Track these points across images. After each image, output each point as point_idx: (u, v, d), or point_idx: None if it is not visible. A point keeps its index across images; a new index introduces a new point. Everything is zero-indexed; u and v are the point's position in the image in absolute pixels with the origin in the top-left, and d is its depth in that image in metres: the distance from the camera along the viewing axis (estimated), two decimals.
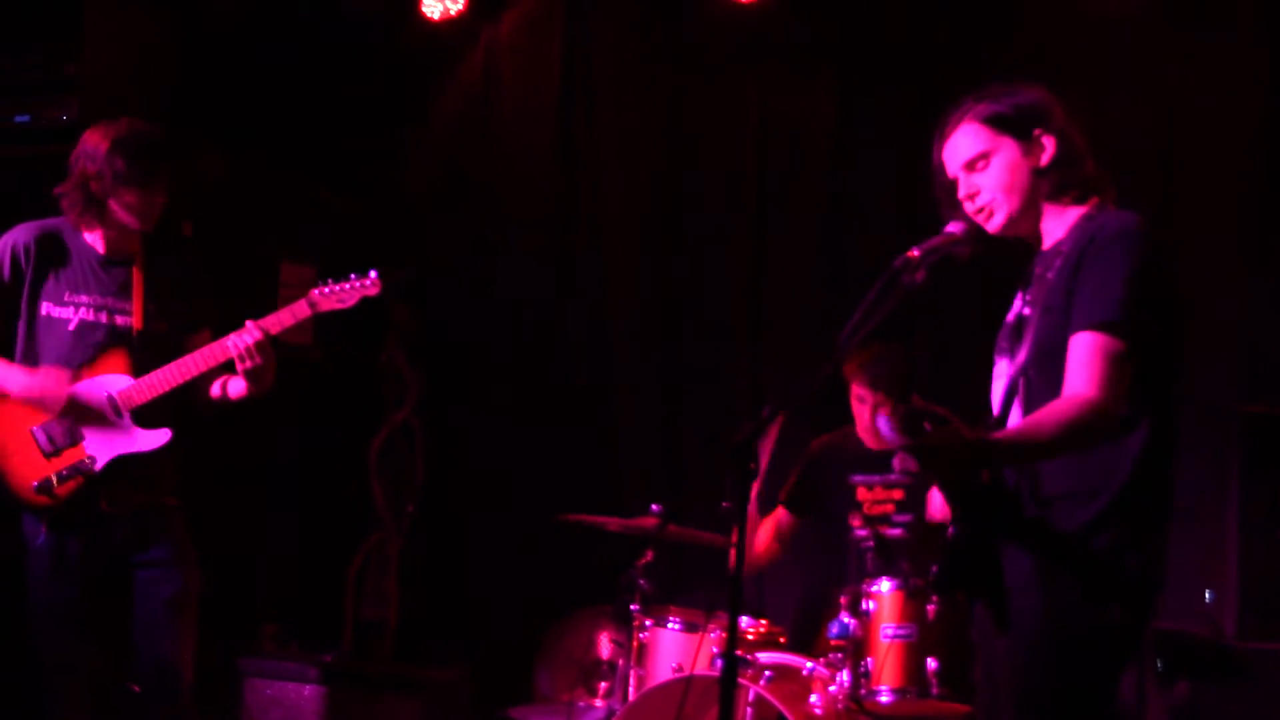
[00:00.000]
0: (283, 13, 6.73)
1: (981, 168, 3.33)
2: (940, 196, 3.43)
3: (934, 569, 3.34)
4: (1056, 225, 3.31)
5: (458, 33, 7.00)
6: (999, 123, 3.32)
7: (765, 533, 5.52)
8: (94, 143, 4.43)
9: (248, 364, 4.35)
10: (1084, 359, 3.06)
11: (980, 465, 3.15)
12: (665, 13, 6.70)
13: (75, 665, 4.44)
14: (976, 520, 3.24)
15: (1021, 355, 3.23)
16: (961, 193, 3.36)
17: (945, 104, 5.81)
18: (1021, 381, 3.23)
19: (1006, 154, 3.31)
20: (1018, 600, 3.19)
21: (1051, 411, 3.07)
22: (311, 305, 4.45)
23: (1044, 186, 3.30)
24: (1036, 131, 3.31)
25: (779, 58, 6.49)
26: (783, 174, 6.47)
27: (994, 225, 3.34)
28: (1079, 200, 3.30)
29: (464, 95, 7.11)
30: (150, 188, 4.44)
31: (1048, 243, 3.32)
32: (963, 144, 3.36)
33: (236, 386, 4.55)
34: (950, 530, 3.30)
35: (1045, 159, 3.30)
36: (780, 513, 5.53)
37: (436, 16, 6.87)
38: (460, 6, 6.86)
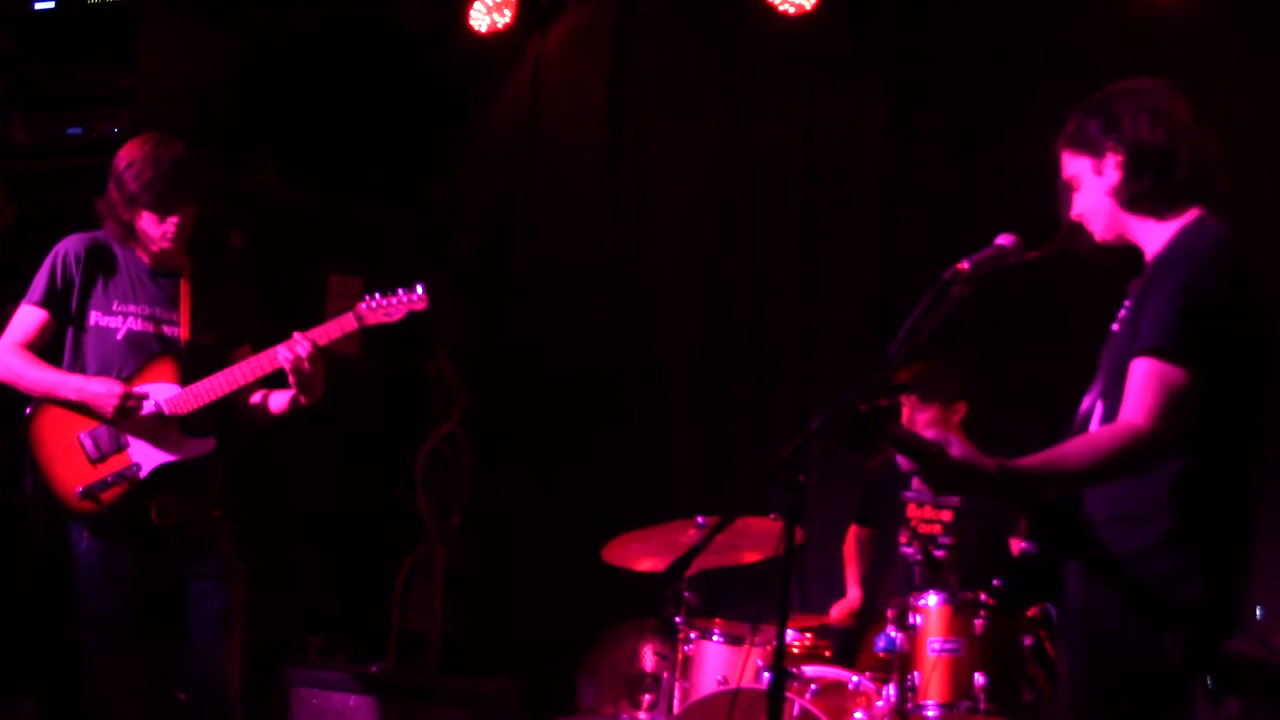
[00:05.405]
0: (333, 27, 6.77)
1: (1076, 188, 3.29)
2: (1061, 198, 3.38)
3: (996, 583, 3.30)
4: (1155, 238, 3.19)
5: (505, 46, 7.03)
6: (1076, 143, 3.26)
7: (851, 550, 5.65)
8: (117, 165, 4.45)
9: (300, 374, 4.37)
10: (1138, 385, 2.96)
11: (998, 492, 3.01)
12: (714, 26, 6.71)
13: (124, 673, 4.46)
14: (1046, 538, 3.20)
15: (1101, 376, 3.18)
16: (1066, 207, 3.33)
17: (992, 114, 5.79)
18: (1099, 405, 3.15)
19: (1084, 176, 3.25)
20: (1071, 622, 3.15)
21: (1091, 439, 3.01)
22: (358, 319, 4.46)
23: (1121, 201, 3.20)
24: (1105, 147, 3.20)
25: (827, 69, 6.49)
26: (832, 185, 6.47)
27: (1097, 240, 3.29)
28: (1176, 211, 3.18)
29: (511, 108, 7.14)
30: (166, 211, 4.42)
31: (1149, 256, 3.21)
32: (1063, 164, 3.31)
33: (278, 401, 4.56)
34: (1023, 546, 3.26)
35: (1115, 175, 3.19)
36: (855, 530, 5.66)
37: (484, 30, 6.89)
38: (508, 20, 6.87)
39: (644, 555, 5.07)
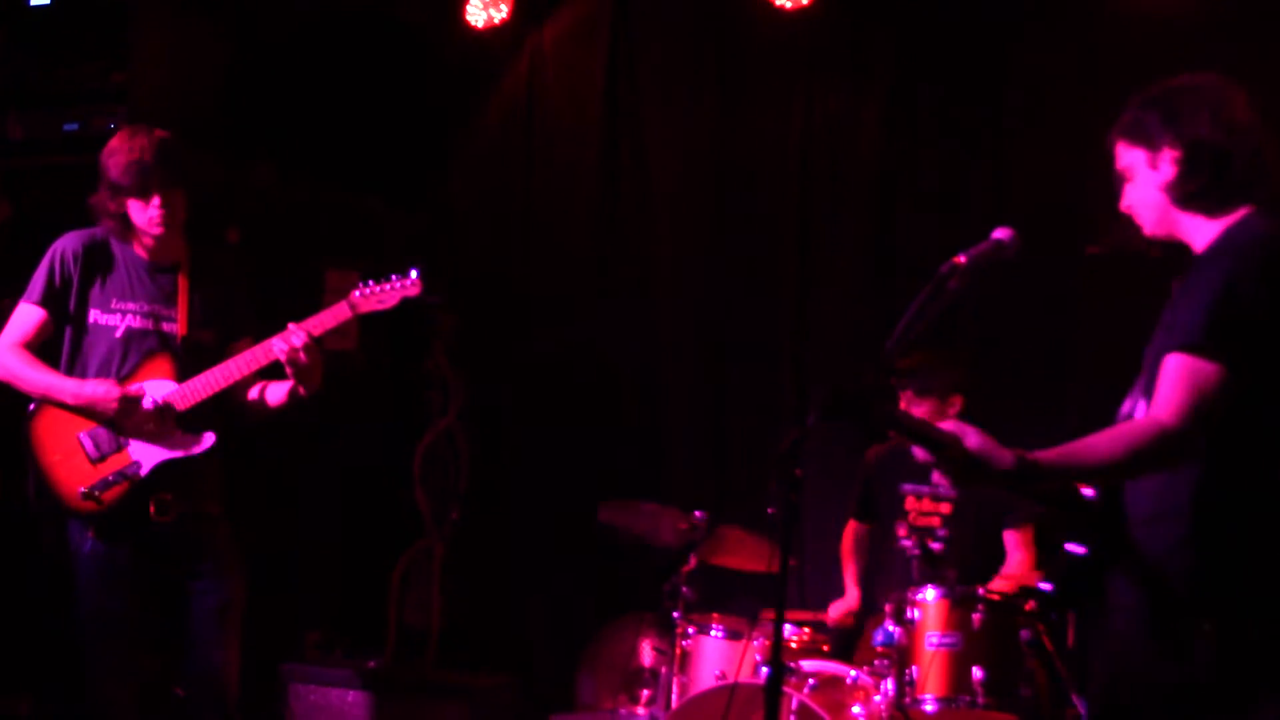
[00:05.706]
0: (329, 23, 6.76)
1: (1128, 179, 3.23)
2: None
3: (1046, 587, 3.26)
4: (1203, 236, 3.14)
5: (502, 41, 7.02)
6: (1132, 135, 3.20)
7: (849, 548, 5.63)
8: (101, 160, 4.44)
9: (296, 365, 4.35)
10: (1169, 381, 2.91)
11: (1016, 484, 2.96)
12: (710, 20, 6.70)
13: (124, 671, 4.46)
14: (1090, 537, 3.15)
15: (1144, 374, 3.12)
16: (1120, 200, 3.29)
17: (991, 108, 5.78)
18: (1141, 404, 3.09)
19: (1138, 169, 3.19)
20: (1102, 621, 3.11)
21: (1115, 433, 2.96)
22: (352, 307, 4.45)
23: (1174, 197, 3.15)
24: (1162, 142, 3.14)
25: (825, 64, 6.47)
26: (829, 180, 6.46)
27: (1146, 234, 3.25)
28: (1227, 210, 3.12)
29: (508, 103, 7.13)
30: (146, 193, 4.40)
31: (1196, 253, 3.15)
32: (1116, 155, 3.25)
33: (276, 393, 4.55)
34: (1068, 545, 3.23)
35: (1170, 171, 3.13)
36: (853, 526, 5.63)
37: (481, 25, 6.88)
38: (504, 15, 6.87)
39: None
